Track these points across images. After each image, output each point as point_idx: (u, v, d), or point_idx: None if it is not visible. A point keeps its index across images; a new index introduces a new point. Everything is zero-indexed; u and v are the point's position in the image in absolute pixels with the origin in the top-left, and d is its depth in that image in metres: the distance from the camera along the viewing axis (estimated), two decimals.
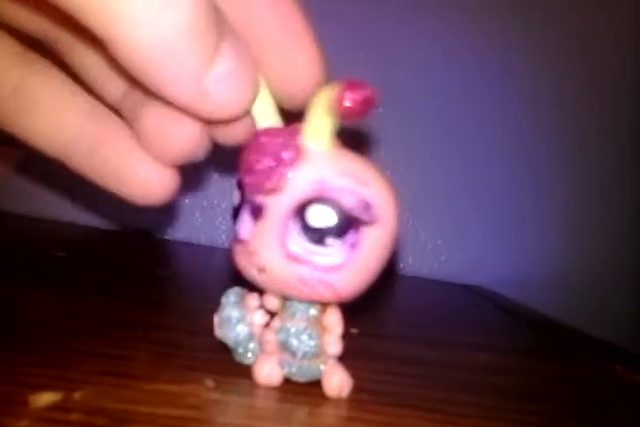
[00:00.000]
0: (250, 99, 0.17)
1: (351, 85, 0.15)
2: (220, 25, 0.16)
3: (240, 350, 0.18)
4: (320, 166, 0.16)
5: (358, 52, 0.50)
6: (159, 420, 0.14)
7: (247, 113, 0.18)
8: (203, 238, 0.50)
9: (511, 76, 0.52)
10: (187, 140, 0.19)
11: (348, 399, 0.18)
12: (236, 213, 0.18)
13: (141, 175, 0.20)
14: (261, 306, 0.18)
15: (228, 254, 0.18)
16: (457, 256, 0.52)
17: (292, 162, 0.16)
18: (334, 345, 0.17)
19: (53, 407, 0.14)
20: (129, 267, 0.35)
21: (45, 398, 0.14)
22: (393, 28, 0.51)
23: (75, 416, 0.14)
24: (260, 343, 0.18)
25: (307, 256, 0.16)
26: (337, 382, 0.18)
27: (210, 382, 0.17)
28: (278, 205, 0.16)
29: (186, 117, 0.18)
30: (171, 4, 0.14)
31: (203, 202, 0.51)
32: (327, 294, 0.17)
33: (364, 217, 0.16)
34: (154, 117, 0.19)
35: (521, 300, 0.45)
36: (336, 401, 0.18)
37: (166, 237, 0.50)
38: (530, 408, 0.20)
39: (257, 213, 0.17)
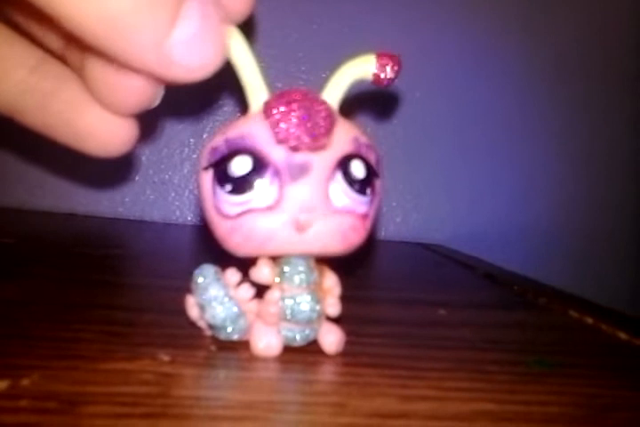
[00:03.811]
0: (219, 59, 0.16)
1: (391, 58, 0.18)
2: None
3: (229, 328, 0.18)
4: (348, 126, 0.18)
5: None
6: (112, 398, 0.14)
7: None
8: (156, 215, 0.49)
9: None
10: (137, 88, 0.18)
11: (302, 361, 0.18)
12: (242, 182, 0.17)
13: (96, 127, 0.19)
14: (243, 280, 0.18)
15: (205, 232, 0.18)
16: (412, 217, 0.52)
17: (336, 119, 0.17)
18: (334, 306, 0.18)
19: (0, 396, 0.13)
20: (78, 248, 0.34)
21: None
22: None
23: (23, 403, 0.13)
24: (261, 316, 0.18)
25: (351, 206, 0.18)
26: (334, 339, 0.18)
27: (164, 357, 0.17)
28: (324, 160, 0.17)
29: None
30: None
31: (154, 178, 0.49)
32: (356, 242, 0.18)
33: (380, 170, 0.19)
34: (100, 67, 0.18)
35: (478, 255, 0.45)
36: (295, 364, 0.18)
37: (117, 217, 0.49)
38: (490, 358, 0.20)
39: (300, 171, 0.17)
